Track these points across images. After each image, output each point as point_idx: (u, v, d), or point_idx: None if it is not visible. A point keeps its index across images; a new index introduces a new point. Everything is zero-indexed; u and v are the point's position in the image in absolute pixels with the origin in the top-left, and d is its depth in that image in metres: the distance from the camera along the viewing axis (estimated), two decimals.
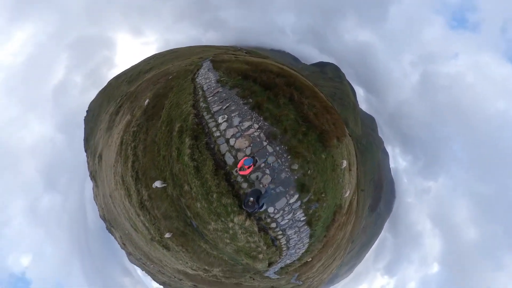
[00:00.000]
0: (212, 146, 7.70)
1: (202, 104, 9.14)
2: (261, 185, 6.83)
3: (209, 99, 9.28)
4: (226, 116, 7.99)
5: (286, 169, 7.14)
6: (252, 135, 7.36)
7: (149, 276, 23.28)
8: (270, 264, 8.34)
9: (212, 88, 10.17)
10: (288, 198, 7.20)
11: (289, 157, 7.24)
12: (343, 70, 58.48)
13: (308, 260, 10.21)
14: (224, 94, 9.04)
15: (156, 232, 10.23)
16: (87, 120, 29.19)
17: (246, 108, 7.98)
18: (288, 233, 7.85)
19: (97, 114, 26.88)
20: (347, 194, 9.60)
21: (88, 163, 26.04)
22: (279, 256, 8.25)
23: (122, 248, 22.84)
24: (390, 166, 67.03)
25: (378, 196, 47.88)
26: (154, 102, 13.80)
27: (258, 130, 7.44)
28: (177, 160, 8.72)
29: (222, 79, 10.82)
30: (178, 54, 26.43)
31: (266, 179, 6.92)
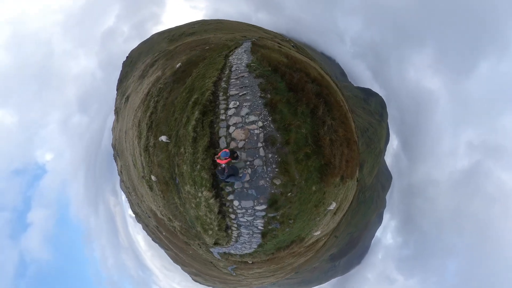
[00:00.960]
0: (214, 125, 8.00)
1: (223, 84, 9.25)
2: (244, 171, 6.86)
3: (231, 81, 9.32)
4: (237, 103, 8.01)
5: (267, 179, 6.89)
6: (252, 131, 7.23)
7: (128, 204, 26.68)
8: (216, 244, 8.83)
9: (239, 71, 10.15)
10: (255, 203, 7.16)
11: (276, 169, 6.89)
12: (389, 110, 50.72)
13: (249, 262, 10.22)
14: (247, 81, 8.94)
15: (148, 173, 11.73)
16: (125, 64, 31.48)
17: (260, 102, 7.82)
18: (242, 230, 8.05)
19: (135, 62, 28.85)
20: (316, 233, 9.04)
21: (116, 100, 29.00)
22: (226, 243, 8.65)
23: (119, 174, 26.40)
24: (375, 234, 58.87)
25: (345, 251, 43.11)
26: (185, 67, 14.27)
27: (260, 129, 7.17)
28: (184, 126, 9.40)
29: (252, 64, 10.70)
30: (223, 27, 26.24)
31: (246, 177, 6.97)
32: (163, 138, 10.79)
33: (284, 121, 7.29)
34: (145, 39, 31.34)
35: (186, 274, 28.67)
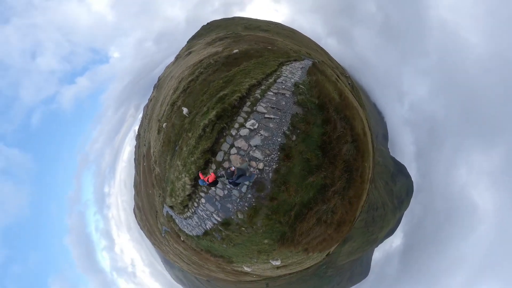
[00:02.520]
0: (224, 133, 6.31)
1: (257, 93, 7.04)
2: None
3: (268, 93, 7.07)
4: (256, 126, 5.87)
5: (234, 207, 6.11)
6: (249, 166, 5.62)
7: (139, 123, 28.80)
8: (170, 207, 8.98)
9: (283, 86, 7.79)
10: (215, 212, 6.69)
11: (246, 208, 5.93)
12: (412, 202, 35.18)
13: (181, 238, 10.00)
14: (284, 103, 6.59)
15: (163, 120, 12.07)
16: (203, 27, 31.67)
17: (278, 140, 5.55)
18: (195, 217, 7.85)
19: (211, 30, 28.62)
20: (247, 269, 7.98)
21: (182, 49, 29.35)
22: (178, 213, 8.62)
23: (148, 99, 27.83)
24: None
25: None
26: (239, 56, 12.29)
27: (257, 171, 5.55)
28: (201, 115, 7.75)
29: (301, 86, 8.19)
30: (294, 37, 23.43)
31: (219, 192, 6.29)
32: (185, 110, 10.15)
33: (285, 181, 5.37)
34: (227, 17, 31.32)
35: (133, 201, 28.84)
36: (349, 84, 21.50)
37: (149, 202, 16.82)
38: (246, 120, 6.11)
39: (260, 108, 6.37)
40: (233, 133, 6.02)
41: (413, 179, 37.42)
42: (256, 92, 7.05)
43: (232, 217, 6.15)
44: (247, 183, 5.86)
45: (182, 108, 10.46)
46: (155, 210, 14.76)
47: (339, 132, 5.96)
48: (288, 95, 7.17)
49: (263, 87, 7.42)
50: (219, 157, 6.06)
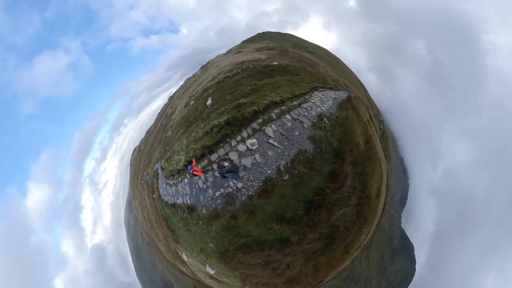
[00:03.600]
0: (226, 139, 5.95)
1: (273, 113, 6.11)
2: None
3: (286, 116, 6.16)
4: (255, 147, 5.27)
5: (204, 202, 6.11)
6: (232, 180, 5.36)
7: (177, 88, 32.63)
8: (162, 168, 9.62)
9: (305, 113, 6.72)
10: (189, 195, 6.99)
11: (211, 209, 5.96)
12: None
13: (153, 195, 10.58)
14: (297, 133, 5.53)
15: (193, 98, 12.83)
16: (258, 35, 34.25)
17: (269, 172, 4.73)
18: (173, 187, 8.19)
19: (263, 39, 29.80)
20: (184, 257, 8.16)
21: (234, 46, 31.00)
22: (164, 176, 9.08)
23: (193, 74, 30.73)
24: None
25: None
26: (276, 69, 11.52)
27: (235, 187, 5.27)
28: (217, 114, 7.52)
29: (325, 118, 6.97)
30: (337, 65, 22.00)
31: (200, 183, 6.34)
32: (209, 101, 10.22)
33: (251, 212, 4.69)
34: (281, 32, 33.36)
35: (138, 142, 31.85)
36: (380, 129, 18.73)
37: (149, 151, 17.85)
38: (249, 136, 5.53)
39: (269, 130, 5.53)
40: (232, 144, 5.61)
41: (417, 266, 27.01)
42: (274, 110, 6.19)
43: (198, 208, 6.28)
44: (232, 182, 5.58)
45: (209, 98, 10.39)
46: (149, 160, 15.55)
47: (343, 193, 4.53)
48: (306, 126, 6.08)
49: (283, 107, 6.53)
50: (213, 157, 5.87)
